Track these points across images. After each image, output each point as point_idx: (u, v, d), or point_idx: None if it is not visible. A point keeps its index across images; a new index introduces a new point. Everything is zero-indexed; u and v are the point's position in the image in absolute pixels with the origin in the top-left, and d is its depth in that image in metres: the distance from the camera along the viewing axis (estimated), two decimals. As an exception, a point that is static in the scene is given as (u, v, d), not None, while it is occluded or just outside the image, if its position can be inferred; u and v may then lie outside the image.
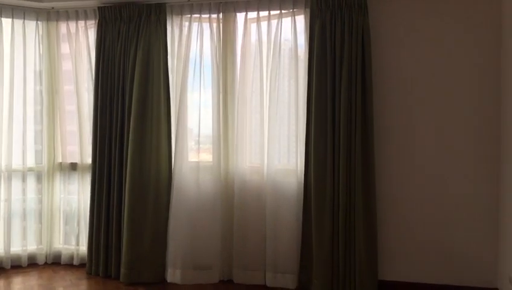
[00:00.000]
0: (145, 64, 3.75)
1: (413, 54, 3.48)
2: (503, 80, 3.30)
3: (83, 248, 4.12)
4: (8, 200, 4.03)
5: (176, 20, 3.87)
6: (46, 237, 4.21)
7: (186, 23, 3.83)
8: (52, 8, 4.11)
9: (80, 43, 4.12)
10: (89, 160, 4.07)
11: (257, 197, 3.65)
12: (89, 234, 3.94)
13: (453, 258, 3.41)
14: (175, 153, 3.78)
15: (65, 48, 4.21)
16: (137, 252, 3.71)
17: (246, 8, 3.71)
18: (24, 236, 4.12)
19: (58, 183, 4.25)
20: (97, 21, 3.98)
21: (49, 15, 4.17)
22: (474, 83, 3.38)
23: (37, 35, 4.14)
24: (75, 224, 4.16)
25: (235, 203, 3.68)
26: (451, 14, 3.42)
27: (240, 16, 3.76)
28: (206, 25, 3.80)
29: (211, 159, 3.75)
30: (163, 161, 3.80)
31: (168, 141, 3.82)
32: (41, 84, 4.20)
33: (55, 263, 4.20)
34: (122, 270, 3.73)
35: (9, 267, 4.03)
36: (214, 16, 3.78)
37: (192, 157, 3.84)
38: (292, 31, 3.61)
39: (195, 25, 3.80)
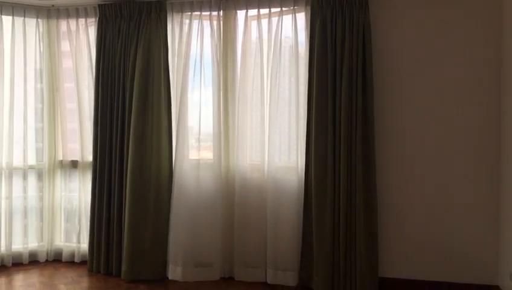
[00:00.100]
0: (145, 62, 3.75)
1: (414, 51, 3.47)
2: (504, 78, 3.29)
3: (84, 245, 4.12)
4: (9, 198, 4.04)
5: (177, 17, 3.87)
6: (47, 235, 4.22)
7: (187, 21, 3.83)
8: (53, 5, 4.11)
9: (80, 40, 4.12)
10: (89, 158, 4.07)
11: (258, 195, 3.65)
12: (90, 232, 3.95)
13: (454, 256, 3.41)
14: (176, 151, 3.78)
15: (65, 46, 4.20)
16: (138, 249, 3.72)
17: (247, 5, 3.70)
18: (25, 234, 4.13)
19: (59, 181, 4.26)
20: (97, 19, 3.98)
21: (50, 13, 4.16)
22: (475, 80, 3.37)
23: (37, 33, 4.14)
24: (76, 221, 4.17)
25: (235, 201, 3.68)
26: (453, 12, 3.40)
27: (241, 14, 3.76)
28: (206, 23, 3.79)
29: (211, 157, 3.75)
30: (164, 159, 3.80)
31: (169, 139, 3.82)
32: (41, 82, 4.20)
33: (56, 261, 4.21)
34: (123, 267, 3.74)
35: (10, 264, 4.04)
36: (215, 13, 3.77)
37: (192, 155, 3.85)
38: (293, 28, 3.60)
39: (195, 23, 3.80)
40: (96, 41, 3.98)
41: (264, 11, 3.67)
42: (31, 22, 4.13)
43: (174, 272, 3.75)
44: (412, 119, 3.48)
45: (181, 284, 3.66)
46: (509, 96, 3.15)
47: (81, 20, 4.12)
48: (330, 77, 3.44)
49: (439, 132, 3.44)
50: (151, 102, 3.75)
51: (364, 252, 3.36)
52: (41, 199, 4.20)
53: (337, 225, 3.43)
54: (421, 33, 3.46)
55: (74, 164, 4.22)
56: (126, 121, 3.82)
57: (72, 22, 4.12)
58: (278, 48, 3.61)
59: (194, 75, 3.80)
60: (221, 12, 3.76)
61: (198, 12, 3.79)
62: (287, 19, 3.63)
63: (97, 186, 3.91)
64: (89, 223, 3.99)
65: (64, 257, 4.20)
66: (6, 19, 4.04)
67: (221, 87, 3.76)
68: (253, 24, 3.74)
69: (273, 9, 3.65)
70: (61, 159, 4.26)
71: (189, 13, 3.81)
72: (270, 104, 3.63)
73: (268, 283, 3.63)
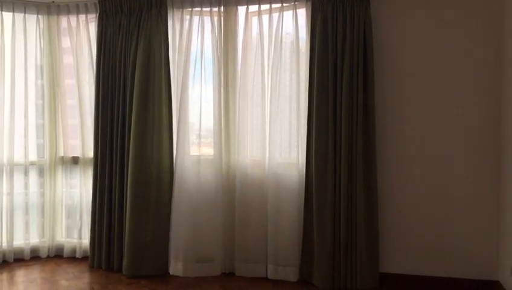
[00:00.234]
0: (146, 58, 3.75)
1: (415, 47, 3.47)
2: (504, 78, 3.29)
3: (85, 241, 4.14)
4: (11, 194, 4.05)
5: (177, 13, 3.86)
6: (49, 231, 4.24)
7: (187, 17, 3.82)
8: (53, 1, 4.11)
9: (80, 36, 4.12)
10: (90, 154, 4.08)
11: (258, 191, 3.66)
12: (91, 227, 3.96)
13: (454, 251, 3.42)
14: (176, 147, 3.79)
15: (66, 42, 4.20)
16: (140, 245, 3.73)
17: (247, 1, 3.70)
18: (26, 229, 4.14)
19: (60, 177, 4.27)
20: (98, 15, 3.98)
21: (50, 9, 4.16)
22: (476, 77, 3.37)
23: (37, 29, 4.14)
24: (78, 217, 4.18)
25: (236, 197, 3.69)
26: (455, 8, 3.40)
27: (241, 10, 3.75)
28: (207, 19, 3.79)
29: (212, 153, 3.76)
30: (165, 155, 3.81)
31: (170, 135, 3.82)
32: (42, 78, 4.20)
33: (57, 256, 4.23)
34: (125, 262, 3.76)
35: (12, 260, 4.06)
36: (215, 9, 3.77)
37: (193, 151, 3.85)
38: (293, 24, 3.60)
39: (196, 19, 3.79)
40: (96, 38, 3.98)
41: (265, 7, 3.67)
42: (32, 18, 4.12)
43: (175, 268, 3.76)
44: (413, 115, 3.48)
45: (182, 280, 3.67)
46: (509, 96, 3.15)
47: (82, 16, 4.11)
48: (331, 73, 3.44)
49: (440, 126, 3.44)
50: (151, 98, 3.75)
51: (365, 247, 3.37)
52: (42, 195, 4.21)
53: (338, 220, 3.44)
54: (423, 28, 3.45)
55: (75, 160, 4.22)
56: (127, 117, 3.82)
57: (73, 18, 4.12)
58: (279, 44, 3.61)
59: (194, 71, 3.80)
60: (221, 8, 3.75)
61: (198, 8, 3.79)
62: (288, 14, 3.63)
63: (98, 182, 3.92)
64: (90, 219, 4.00)
65: (66, 253, 4.21)
66: (7, 15, 4.03)
67: (222, 84, 3.76)
68: (254, 20, 3.73)
69: (274, 5, 3.64)
70: (62, 155, 4.27)
71: (190, 9, 3.81)
72: (270, 100, 3.64)
73: (269, 278, 3.64)
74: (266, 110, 3.68)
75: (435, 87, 3.44)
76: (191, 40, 3.78)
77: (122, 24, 3.88)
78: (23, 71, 4.08)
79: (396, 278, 3.51)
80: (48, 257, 4.22)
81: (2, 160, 4.03)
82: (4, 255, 4.05)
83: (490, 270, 3.37)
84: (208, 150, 3.83)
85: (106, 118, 3.92)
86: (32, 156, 4.18)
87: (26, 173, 4.13)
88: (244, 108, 3.71)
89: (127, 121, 3.83)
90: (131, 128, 3.76)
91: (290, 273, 3.60)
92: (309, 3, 3.56)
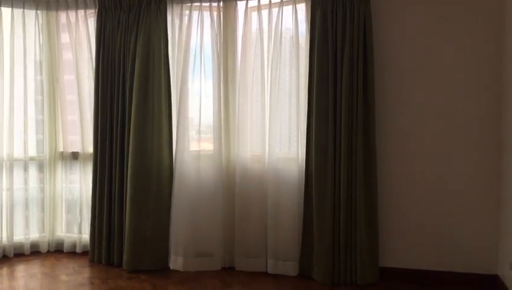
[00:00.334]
0: (145, 53, 3.75)
1: (415, 43, 3.46)
2: (504, 74, 3.29)
3: (85, 236, 4.15)
4: (10, 189, 4.05)
5: (176, 9, 3.85)
6: (49, 226, 4.24)
7: (187, 12, 3.82)
8: (52, -4, 4.10)
9: (79, 32, 4.11)
10: (90, 149, 4.08)
11: (258, 186, 3.67)
12: (91, 222, 3.97)
13: (454, 246, 3.44)
14: (176, 142, 3.79)
15: (65, 38, 4.19)
16: (140, 239, 3.73)
17: (247, -4, 3.70)
18: (26, 225, 4.14)
19: (60, 172, 4.27)
20: (97, 10, 3.96)
21: (49, 4, 4.15)
22: (477, 73, 3.37)
23: (36, 24, 4.12)
24: (77, 212, 4.18)
25: (236, 192, 3.70)
26: (455, 4, 3.39)
27: (241, 5, 3.74)
28: (206, 14, 3.78)
29: (212, 148, 3.76)
30: (165, 150, 3.81)
31: (169, 130, 3.82)
32: (41, 74, 4.19)
33: (57, 251, 4.24)
34: (125, 257, 3.76)
35: (12, 255, 4.06)
36: (215, 4, 3.76)
37: (193, 146, 3.85)
38: (293, 19, 3.59)
39: (195, 14, 3.78)
40: (95, 33, 3.97)
41: (265, 1, 3.66)
42: (30, 14, 4.11)
43: (175, 262, 3.77)
44: (413, 110, 3.48)
45: (182, 274, 3.68)
46: (510, 92, 3.15)
47: (81, 12, 4.10)
48: (331, 67, 3.43)
49: (441, 121, 3.44)
50: (151, 93, 3.75)
51: (364, 241, 3.38)
52: (42, 190, 4.21)
53: (338, 214, 3.44)
54: (423, 23, 3.45)
55: (75, 155, 4.23)
56: (126, 112, 3.82)
57: (72, 14, 4.11)
58: (279, 39, 3.61)
59: (194, 67, 3.79)
60: (221, 3, 3.75)
61: (198, 3, 3.78)
62: (288, 9, 3.62)
63: (98, 177, 3.92)
64: (90, 214, 4.01)
65: (66, 248, 4.22)
66: (6, 11, 4.02)
67: (222, 79, 3.76)
68: (254, 15, 3.73)
69: (273, 0, 3.63)
70: (62, 150, 4.27)
71: (189, 4, 3.80)
72: (270, 95, 3.64)
73: (269, 272, 3.65)
74: (266, 105, 3.68)
75: (435, 83, 3.44)
76: (191, 35, 3.77)
77: (122, 19, 3.87)
78: (22, 67, 4.07)
79: (395, 272, 3.53)
80: (48, 251, 4.23)
81: (1, 155, 4.03)
82: (4, 250, 4.06)
83: (489, 265, 3.38)
84: (207, 145, 3.83)
85: (106, 113, 3.91)
86: (32, 152, 4.18)
87: (25, 169, 4.13)
88: (243, 103, 3.71)
89: (126, 116, 3.82)
90: (131, 123, 3.75)
91: (290, 268, 3.61)
92: (309, -2, 3.56)
